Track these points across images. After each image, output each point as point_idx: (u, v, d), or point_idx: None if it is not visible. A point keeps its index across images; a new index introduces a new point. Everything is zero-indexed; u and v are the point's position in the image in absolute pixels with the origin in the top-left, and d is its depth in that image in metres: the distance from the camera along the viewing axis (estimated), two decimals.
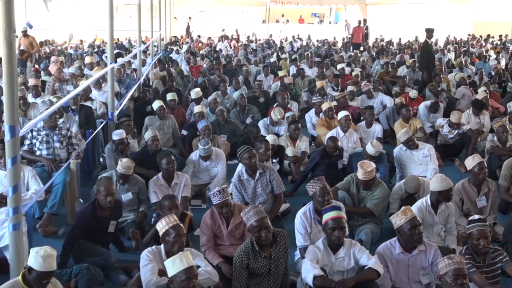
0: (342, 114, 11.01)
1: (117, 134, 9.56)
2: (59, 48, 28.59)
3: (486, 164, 8.14)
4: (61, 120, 9.96)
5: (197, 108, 11.75)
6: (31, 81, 12.52)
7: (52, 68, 14.20)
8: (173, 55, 23.94)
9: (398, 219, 6.00)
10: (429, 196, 7.26)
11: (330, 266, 5.99)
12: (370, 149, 9.21)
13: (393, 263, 6.07)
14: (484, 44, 32.34)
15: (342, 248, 6.03)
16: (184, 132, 11.46)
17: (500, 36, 35.70)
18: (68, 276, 6.27)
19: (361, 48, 28.35)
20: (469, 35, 37.09)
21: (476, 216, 6.25)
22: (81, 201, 8.62)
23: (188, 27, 38.98)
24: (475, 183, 7.99)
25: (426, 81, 16.72)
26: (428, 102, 13.67)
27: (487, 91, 14.11)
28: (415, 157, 9.69)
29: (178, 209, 7.03)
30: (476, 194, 7.99)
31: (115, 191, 7.27)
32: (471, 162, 8.01)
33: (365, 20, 29.60)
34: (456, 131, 11.53)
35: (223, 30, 38.06)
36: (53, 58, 18.35)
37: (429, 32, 17.49)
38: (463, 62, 20.64)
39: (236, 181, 8.08)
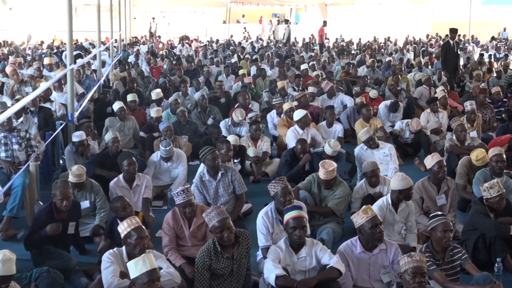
0: (299, 114, 11.07)
1: (77, 136, 9.48)
2: (17, 50, 28.10)
3: (445, 163, 8.25)
4: (19, 121, 9.85)
5: (152, 112, 11.72)
6: None
7: (8, 69, 14.00)
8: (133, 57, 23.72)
9: (359, 218, 6.03)
10: (389, 195, 7.34)
11: (292, 266, 6.00)
12: (327, 149, 9.31)
13: (354, 262, 6.10)
14: None
15: (303, 248, 6.04)
16: (142, 134, 11.43)
17: (459, 36, 36.17)
18: (28, 280, 6.17)
19: (323, 49, 28.54)
20: (428, 35, 37.53)
21: (439, 213, 6.36)
22: (41, 203, 8.45)
23: (150, 28, 38.72)
24: (435, 181, 8.08)
25: (454, 80, 16.44)
26: (388, 102, 13.78)
27: (446, 91, 14.30)
28: (375, 156, 9.75)
29: (131, 206, 7.01)
30: (436, 192, 8.08)
31: (71, 194, 7.13)
32: (430, 161, 8.10)
33: (286, 21, 29.75)
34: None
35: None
36: (10, 59, 18.06)
37: (453, 32, 17.43)
38: (422, 62, 20.84)
39: (197, 182, 8.05)
